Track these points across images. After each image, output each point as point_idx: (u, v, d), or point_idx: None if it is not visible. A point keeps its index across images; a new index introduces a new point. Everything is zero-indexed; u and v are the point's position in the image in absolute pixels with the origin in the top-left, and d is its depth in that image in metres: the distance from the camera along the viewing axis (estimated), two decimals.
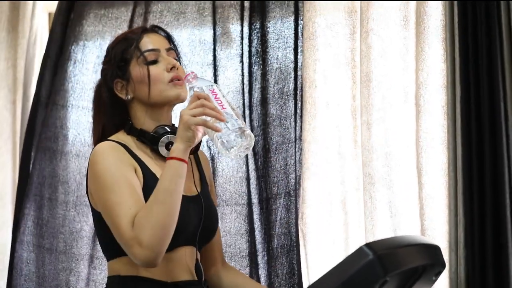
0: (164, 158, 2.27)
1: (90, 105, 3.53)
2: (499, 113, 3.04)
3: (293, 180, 3.31)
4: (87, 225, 3.56)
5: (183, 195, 2.22)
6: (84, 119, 3.65)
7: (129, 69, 2.32)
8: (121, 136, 2.36)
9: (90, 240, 3.54)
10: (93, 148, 2.31)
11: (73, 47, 3.69)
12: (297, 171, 3.30)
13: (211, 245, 2.47)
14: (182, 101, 2.34)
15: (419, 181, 3.19)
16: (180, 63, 2.42)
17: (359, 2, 3.36)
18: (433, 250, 1.86)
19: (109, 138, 2.35)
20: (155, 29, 2.42)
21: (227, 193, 3.39)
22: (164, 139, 2.30)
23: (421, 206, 3.18)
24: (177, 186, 2.13)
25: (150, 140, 2.31)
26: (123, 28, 3.63)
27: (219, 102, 2.14)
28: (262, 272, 3.33)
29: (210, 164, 2.86)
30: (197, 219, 2.30)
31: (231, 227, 3.36)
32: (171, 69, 2.31)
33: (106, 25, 3.69)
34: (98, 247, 3.33)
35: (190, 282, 2.29)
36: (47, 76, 3.70)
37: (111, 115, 2.37)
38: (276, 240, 3.32)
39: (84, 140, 3.64)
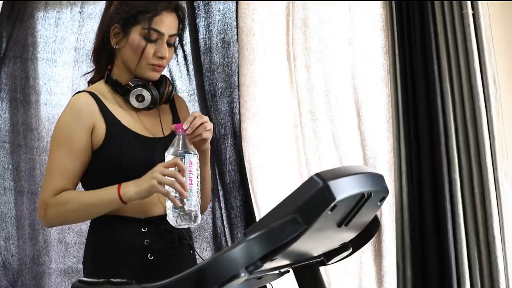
0: (134, 108, 2.36)
1: (53, 57, 3.61)
2: (430, 54, 3.07)
3: (237, 122, 3.38)
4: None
5: (150, 137, 2.35)
6: (49, 70, 3.67)
7: (132, 29, 2.32)
8: (99, 85, 2.40)
9: None
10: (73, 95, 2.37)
11: (35, 4, 3.70)
12: (239, 113, 3.38)
13: None
14: (154, 79, 2.37)
15: (358, 115, 3.24)
16: (178, 42, 2.41)
17: None
18: (377, 178, 1.88)
19: (86, 88, 2.40)
20: (176, 9, 2.36)
21: None
22: (134, 91, 2.34)
23: (362, 137, 3.23)
24: (99, 210, 2.23)
25: (123, 91, 2.36)
26: None
27: (190, 177, 2.18)
28: (222, 205, 3.39)
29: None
30: (163, 159, 2.29)
31: None
32: (159, 57, 2.33)
33: None
34: None
35: (162, 217, 2.29)
36: (6, 32, 3.71)
37: (98, 58, 2.42)
38: (227, 176, 3.40)
39: (51, 90, 3.67)
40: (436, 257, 3.03)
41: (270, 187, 3.35)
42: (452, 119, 3.04)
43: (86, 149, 2.28)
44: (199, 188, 2.21)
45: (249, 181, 3.37)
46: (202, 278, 1.61)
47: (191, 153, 2.21)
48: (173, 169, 2.16)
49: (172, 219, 2.18)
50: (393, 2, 3.15)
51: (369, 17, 3.23)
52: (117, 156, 2.29)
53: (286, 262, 1.85)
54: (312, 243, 1.81)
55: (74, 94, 2.38)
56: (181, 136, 2.22)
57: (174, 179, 2.14)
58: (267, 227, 1.64)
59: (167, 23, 2.33)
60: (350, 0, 3.27)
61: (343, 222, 1.79)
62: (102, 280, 1.68)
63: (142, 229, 2.32)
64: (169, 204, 2.18)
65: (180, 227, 2.20)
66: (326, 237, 1.84)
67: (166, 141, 2.33)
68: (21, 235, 3.67)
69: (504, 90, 3.05)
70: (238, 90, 3.40)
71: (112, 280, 1.68)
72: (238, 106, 3.39)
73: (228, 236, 3.36)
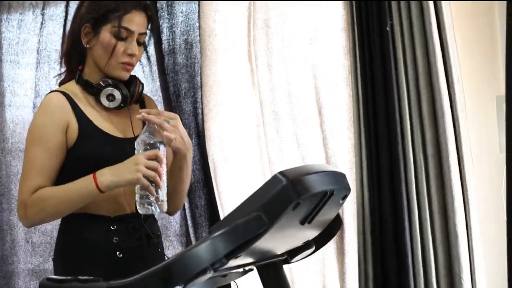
0: (106, 108, 2.37)
1: (17, 58, 3.60)
2: (388, 54, 3.09)
3: (201, 122, 3.39)
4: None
5: (120, 138, 2.36)
6: (12, 72, 3.65)
7: (102, 27, 2.33)
8: (71, 85, 2.40)
9: None
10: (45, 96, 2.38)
11: None
12: (203, 113, 3.38)
13: None
14: (124, 79, 2.38)
15: (320, 114, 3.25)
16: (148, 42, 2.48)
17: None
18: (339, 177, 1.91)
19: (59, 88, 2.41)
20: (146, 8, 2.38)
21: None
22: (105, 91, 2.35)
23: (324, 136, 3.24)
24: (78, 202, 2.23)
25: (94, 90, 2.37)
26: None
27: (162, 168, 2.21)
28: (186, 205, 3.39)
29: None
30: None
31: None
32: (129, 54, 2.34)
33: None
34: None
35: (131, 215, 2.34)
36: None
37: (68, 59, 2.43)
38: (192, 176, 3.36)
39: (14, 91, 3.65)
40: (395, 253, 3.08)
41: (234, 186, 3.37)
42: (408, 119, 3.08)
43: (61, 147, 2.30)
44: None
45: (213, 180, 3.38)
46: (169, 275, 1.61)
47: (163, 143, 2.23)
48: (153, 161, 2.18)
49: (141, 205, 2.19)
50: (354, 2, 3.18)
51: (330, 17, 3.25)
52: (88, 155, 2.30)
53: (250, 260, 1.86)
54: (276, 241, 1.83)
55: (47, 94, 2.40)
56: (151, 126, 2.23)
57: (156, 172, 2.17)
58: (232, 225, 1.66)
59: (136, 21, 2.34)
60: (311, 0, 3.28)
61: (306, 220, 1.81)
62: (70, 277, 1.69)
63: (111, 227, 2.33)
64: (141, 194, 2.20)
65: (148, 213, 2.24)
66: (289, 235, 1.86)
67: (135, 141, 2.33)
68: None
69: (465, 90, 3.11)
70: (201, 91, 3.40)
71: (80, 277, 1.69)
72: (201, 106, 3.39)
73: (192, 235, 3.37)
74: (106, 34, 2.33)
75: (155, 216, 2.39)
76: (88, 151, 2.31)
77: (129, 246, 2.34)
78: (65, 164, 2.32)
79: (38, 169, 2.28)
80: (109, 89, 2.36)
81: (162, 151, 2.22)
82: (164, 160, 2.22)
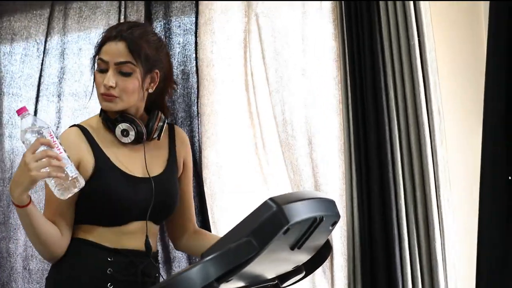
0: (123, 144, 2.36)
1: (20, 91, 3.64)
2: (379, 86, 3.10)
3: (198, 150, 3.39)
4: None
5: (133, 176, 2.33)
6: (14, 104, 3.69)
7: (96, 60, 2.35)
8: (93, 119, 2.42)
9: None
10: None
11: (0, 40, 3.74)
12: (199, 142, 3.39)
13: (178, 217, 2.53)
14: (111, 110, 2.35)
15: (310, 143, 3.26)
16: (140, 69, 2.33)
17: None
18: (329, 203, 1.94)
19: (80, 123, 2.41)
20: (124, 38, 2.32)
21: None
22: (119, 126, 2.33)
23: (314, 165, 3.25)
24: (24, 225, 2.20)
25: (111, 125, 2.36)
26: (44, 24, 3.68)
27: (57, 146, 2.11)
28: None
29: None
30: (148, 199, 2.33)
31: None
32: (104, 85, 2.30)
33: (31, 21, 3.71)
34: None
35: (134, 252, 2.33)
36: None
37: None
38: None
39: (15, 123, 3.68)
40: (385, 280, 3.08)
41: (229, 213, 3.38)
42: (398, 148, 3.10)
43: None
44: (67, 154, 2.14)
45: (209, 207, 3.39)
46: None
47: (44, 127, 2.13)
48: (40, 149, 2.09)
49: (60, 193, 2.13)
50: (345, 34, 3.21)
51: (321, 48, 3.28)
52: (102, 193, 2.28)
53: (242, 284, 1.88)
54: (267, 266, 1.85)
55: (68, 127, 2.40)
56: (26, 117, 2.13)
57: (48, 157, 2.07)
58: (223, 249, 1.69)
59: (111, 51, 2.31)
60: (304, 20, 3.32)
61: (296, 245, 1.84)
62: None
63: (108, 258, 2.31)
64: (52, 182, 2.12)
65: (70, 195, 2.14)
66: (280, 260, 1.89)
67: (151, 182, 2.34)
68: None
69: (448, 119, 3.12)
70: (197, 120, 3.43)
71: None
72: (198, 135, 3.42)
73: (185, 261, 3.38)
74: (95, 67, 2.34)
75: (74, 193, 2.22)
76: (101, 187, 2.29)
77: (122, 279, 2.31)
78: (79, 199, 2.30)
79: (47, 201, 2.29)
80: (124, 125, 2.34)
81: (48, 135, 2.12)
82: (56, 141, 2.13)
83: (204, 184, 3.39)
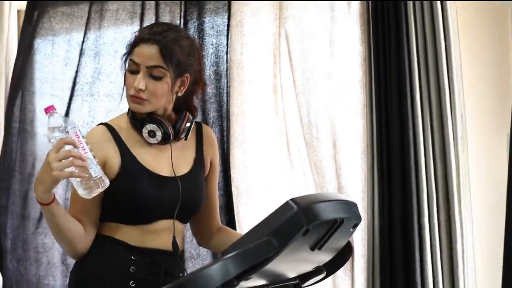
0: (150, 143, 2.32)
1: (61, 93, 3.71)
2: (405, 90, 3.12)
3: (226, 150, 3.43)
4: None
5: (160, 175, 2.29)
6: (48, 103, 3.70)
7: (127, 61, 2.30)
8: (122, 117, 2.38)
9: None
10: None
11: (40, 41, 3.80)
12: (228, 142, 3.44)
13: (204, 215, 2.49)
14: (140, 112, 2.31)
15: (335, 145, 3.29)
16: (171, 73, 2.28)
17: None
18: (350, 206, 1.92)
19: (108, 121, 2.37)
20: (157, 41, 2.28)
21: None
22: (146, 127, 2.30)
23: (337, 167, 3.27)
24: (50, 225, 2.19)
25: (138, 125, 2.32)
26: (82, 25, 3.74)
27: (82, 146, 2.07)
28: None
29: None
30: (175, 198, 2.31)
31: None
32: (136, 88, 2.25)
33: (73, 23, 3.77)
34: None
35: (159, 252, 2.29)
36: (20, 66, 3.80)
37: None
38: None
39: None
40: (404, 283, 3.11)
41: (255, 212, 3.41)
42: (422, 153, 3.11)
43: None
44: (93, 154, 2.10)
45: (235, 206, 3.42)
46: None
47: (70, 126, 2.09)
48: (66, 148, 2.06)
49: (85, 192, 2.10)
50: (371, 38, 3.23)
51: (348, 52, 3.30)
52: (127, 190, 2.27)
53: (262, 282, 1.89)
54: (287, 265, 1.86)
55: (96, 126, 2.39)
56: (54, 116, 2.11)
57: (71, 157, 2.05)
58: (243, 248, 1.70)
59: (143, 54, 2.28)
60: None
61: (316, 246, 1.84)
62: None
63: (132, 257, 2.29)
64: (76, 182, 2.10)
65: (94, 195, 2.12)
66: (300, 260, 1.89)
67: (177, 181, 2.32)
68: (27, 257, 3.76)
69: (470, 124, 3.15)
70: (227, 120, 3.47)
71: None
72: (227, 134, 3.46)
73: (210, 259, 3.42)
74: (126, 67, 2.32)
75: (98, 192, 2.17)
76: (127, 186, 2.27)
77: (144, 278, 2.29)
78: (105, 197, 2.28)
79: (72, 199, 2.30)
80: (151, 126, 2.31)
81: (73, 135, 2.08)
82: (82, 140, 2.10)
83: (231, 183, 3.44)
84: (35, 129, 3.80)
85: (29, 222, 3.75)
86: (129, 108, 2.35)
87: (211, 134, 2.53)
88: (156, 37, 2.28)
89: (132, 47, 2.30)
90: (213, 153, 2.52)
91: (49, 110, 2.10)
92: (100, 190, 2.11)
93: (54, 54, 3.81)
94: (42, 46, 3.83)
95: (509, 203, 2.12)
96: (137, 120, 2.34)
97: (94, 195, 2.11)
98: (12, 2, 4.03)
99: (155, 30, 2.31)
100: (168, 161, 2.36)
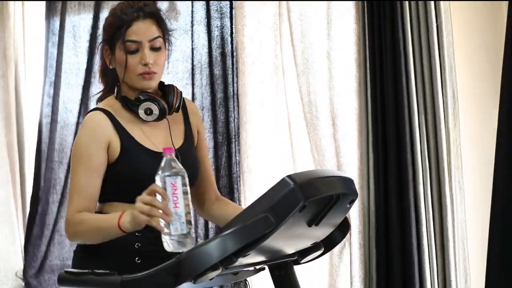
0: (145, 121, 2.32)
1: (76, 81, 3.85)
2: (400, 71, 3.15)
3: (233, 130, 3.47)
4: (58, 179, 3.97)
5: (159, 153, 2.16)
6: (70, 93, 3.95)
7: (116, 47, 2.29)
8: (111, 101, 2.36)
9: None
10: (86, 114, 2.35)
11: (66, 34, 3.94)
12: (235, 122, 3.49)
13: (199, 185, 2.48)
14: (150, 88, 2.31)
15: (334, 124, 3.32)
16: (169, 43, 2.35)
17: None
18: (347, 182, 1.91)
19: (99, 106, 2.36)
20: (151, 15, 2.30)
21: None
22: (142, 105, 2.29)
23: (336, 145, 3.31)
24: (104, 234, 2.16)
25: (132, 106, 2.31)
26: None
27: (175, 199, 1.96)
28: None
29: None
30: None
31: None
32: (144, 64, 2.26)
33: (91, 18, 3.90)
34: None
35: None
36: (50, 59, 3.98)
37: (104, 78, 2.39)
38: (221, 181, 3.49)
39: (67, 109, 3.95)
40: (400, 256, 3.15)
41: (258, 190, 3.42)
42: (417, 130, 3.14)
43: (103, 165, 2.28)
44: (190, 208, 1.99)
45: (241, 185, 3.46)
46: (179, 270, 1.69)
47: (171, 176, 1.99)
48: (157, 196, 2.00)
49: (165, 245, 1.97)
50: (366, 18, 3.25)
51: (344, 32, 3.32)
52: (129, 171, 2.28)
53: (261, 259, 1.90)
54: (285, 241, 1.87)
55: (88, 112, 2.38)
56: (165, 159, 2.03)
57: (152, 206, 1.99)
58: (241, 224, 1.72)
59: (141, 31, 2.29)
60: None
61: (313, 222, 1.85)
62: (86, 271, 1.75)
63: (136, 233, 2.26)
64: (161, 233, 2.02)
65: (174, 251, 1.95)
66: (298, 236, 1.90)
67: (177, 154, 2.28)
68: (52, 239, 3.97)
69: (462, 104, 3.17)
70: (233, 101, 3.51)
71: (96, 271, 1.75)
72: (233, 115, 3.49)
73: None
74: (119, 52, 2.30)
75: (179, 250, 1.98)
76: (129, 167, 2.28)
77: (149, 250, 2.29)
78: (106, 180, 2.30)
79: (81, 189, 2.26)
80: (147, 104, 2.31)
81: (169, 185, 1.99)
82: (178, 193, 1.99)
83: (243, 159, 3.49)
84: (67, 121, 3.98)
85: (61, 207, 3.92)
86: (117, 91, 2.35)
87: (193, 105, 2.56)
88: (146, 12, 2.31)
89: (124, 30, 2.30)
90: (198, 123, 2.52)
91: (166, 151, 2.03)
92: (180, 250, 1.94)
93: (76, 45, 3.95)
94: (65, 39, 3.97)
95: (496, 178, 2.14)
96: (129, 100, 2.35)
97: (172, 250, 1.97)
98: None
99: (139, 7, 2.32)
100: (163, 137, 2.37)
